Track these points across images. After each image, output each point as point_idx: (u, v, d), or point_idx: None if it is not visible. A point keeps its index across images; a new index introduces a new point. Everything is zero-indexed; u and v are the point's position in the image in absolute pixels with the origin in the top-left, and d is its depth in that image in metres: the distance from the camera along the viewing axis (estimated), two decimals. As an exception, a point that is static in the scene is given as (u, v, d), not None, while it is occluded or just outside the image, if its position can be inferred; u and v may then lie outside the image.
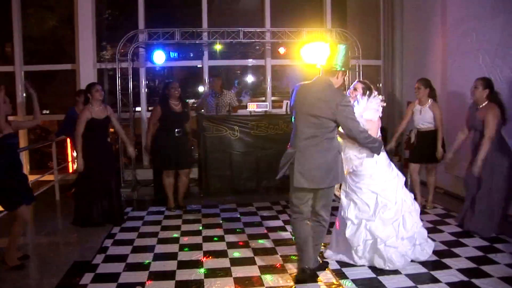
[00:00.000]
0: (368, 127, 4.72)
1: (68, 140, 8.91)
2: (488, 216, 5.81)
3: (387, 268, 4.75)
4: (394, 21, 9.82)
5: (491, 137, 5.64)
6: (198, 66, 10.22)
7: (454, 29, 7.88)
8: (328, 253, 5.19)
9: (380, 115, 4.97)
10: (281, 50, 9.42)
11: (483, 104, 5.84)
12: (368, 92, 4.93)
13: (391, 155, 8.29)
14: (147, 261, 5.16)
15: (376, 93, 4.98)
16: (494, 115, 5.67)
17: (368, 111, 4.86)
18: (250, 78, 12.35)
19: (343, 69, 4.49)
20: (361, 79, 9.09)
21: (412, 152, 7.38)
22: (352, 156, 4.89)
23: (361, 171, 4.87)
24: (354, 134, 4.45)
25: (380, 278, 4.63)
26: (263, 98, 10.39)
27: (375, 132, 4.83)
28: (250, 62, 10.78)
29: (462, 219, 6.19)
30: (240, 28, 8.98)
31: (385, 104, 5.00)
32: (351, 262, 4.95)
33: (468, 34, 7.42)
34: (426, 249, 5.02)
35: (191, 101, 10.54)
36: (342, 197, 5.00)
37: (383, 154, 4.96)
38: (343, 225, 4.97)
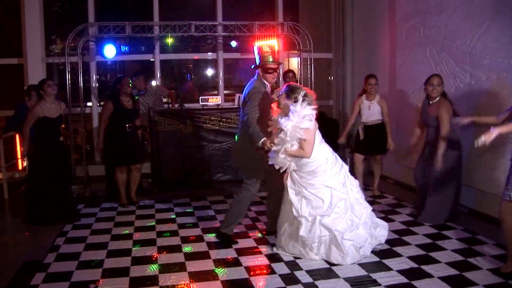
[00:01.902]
0: (303, 136, 4.71)
1: (17, 136, 8.69)
2: (440, 206, 6.04)
3: (344, 263, 4.78)
4: (344, 14, 9.96)
5: (447, 133, 5.77)
6: (151, 60, 10.12)
7: (403, 23, 8.07)
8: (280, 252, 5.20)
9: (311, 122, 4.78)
10: (233, 43, 9.40)
11: (436, 99, 5.99)
12: (293, 97, 4.77)
13: (342, 148, 8.47)
14: (99, 259, 5.11)
15: (301, 96, 4.75)
16: (447, 110, 5.82)
17: (302, 119, 4.72)
18: (202, 72, 12.32)
19: (256, 65, 5.36)
20: (311, 71, 9.23)
21: (358, 143, 7.53)
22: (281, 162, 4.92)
23: (314, 168, 4.87)
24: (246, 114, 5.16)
25: (334, 268, 4.73)
26: (216, 92, 10.38)
27: (310, 142, 4.74)
28: (202, 55, 10.73)
29: (417, 210, 6.39)
30: (191, 22, 8.92)
31: (314, 109, 4.80)
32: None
33: (416, 28, 7.62)
34: (381, 232, 5.07)
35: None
36: (291, 196, 4.94)
37: (327, 148, 5.01)
38: (296, 224, 4.95)
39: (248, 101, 5.19)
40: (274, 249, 5.24)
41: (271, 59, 5.28)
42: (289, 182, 5.02)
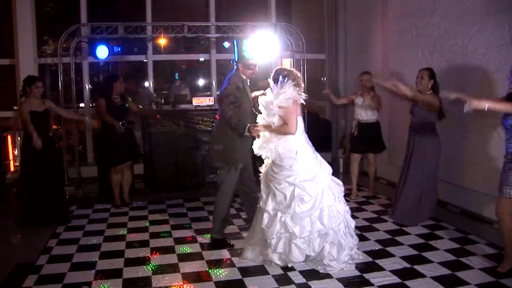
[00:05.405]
0: (281, 114, 4.76)
1: (9, 137, 8.65)
2: (419, 205, 6.09)
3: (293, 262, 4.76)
4: (337, 16, 9.97)
5: (418, 97, 5.88)
6: (144, 60, 10.09)
7: (395, 24, 8.09)
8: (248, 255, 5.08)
9: (300, 101, 4.86)
10: (226, 44, 9.39)
11: (427, 93, 6.00)
12: (279, 79, 4.83)
13: (336, 149, 8.46)
14: (94, 260, 5.10)
15: (288, 80, 4.79)
16: (436, 100, 5.89)
17: (280, 97, 4.76)
18: (195, 73, 12.34)
19: (236, 61, 5.40)
20: (304, 72, 9.25)
21: (353, 142, 7.60)
22: (273, 147, 4.84)
23: (281, 162, 4.80)
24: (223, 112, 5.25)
25: (327, 268, 4.72)
26: (208, 93, 10.37)
27: (292, 118, 4.74)
28: (195, 56, 10.72)
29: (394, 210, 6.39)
30: (184, 23, 8.91)
31: (299, 93, 4.87)
32: (267, 262, 4.87)
33: (408, 29, 7.64)
34: (332, 252, 4.75)
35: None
36: (262, 187, 4.96)
37: (307, 145, 4.90)
38: (260, 217, 4.91)
39: (225, 98, 5.23)
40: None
41: (252, 56, 5.38)
42: (262, 175, 5.02)
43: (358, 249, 5.04)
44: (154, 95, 9.17)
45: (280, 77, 4.83)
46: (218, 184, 5.58)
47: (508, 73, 4.58)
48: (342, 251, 4.75)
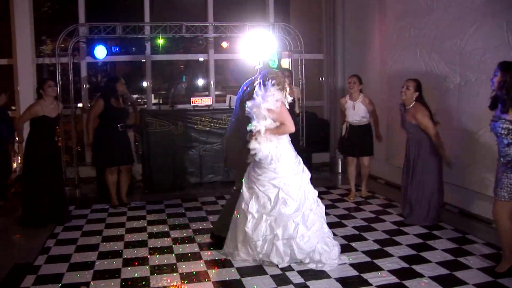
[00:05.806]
0: (271, 117, 4.69)
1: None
2: (423, 208, 6.08)
3: (282, 265, 4.74)
4: (335, 16, 9.98)
5: (436, 133, 5.84)
6: (142, 60, 10.08)
7: (393, 24, 8.10)
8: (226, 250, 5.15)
9: (286, 104, 4.82)
10: (224, 44, 9.40)
11: (411, 105, 6.02)
12: (264, 83, 4.79)
13: (334, 149, 8.43)
14: (90, 261, 5.09)
15: (272, 82, 4.73)
16: (424, 114, 5.87)
17: (268, 99, 4.69)
18: (193, 73, 12.32)
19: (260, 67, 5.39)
20: (302, 72, 9.25)
21: (344, 145, 7.58)
22: (258, 147, 4.72)
23: (265, 164, 4.77)
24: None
25: (325, 268, 4.72)
26: (207, 93, 10.36)
27: (288, 117, 4.72)
28: (193, 56, 10.73)
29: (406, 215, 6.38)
30: (182, 23, 8.91)
31: (282, 97, 4.80)
32: (250, 260, 4.91)
33: (406, 29, 7.65)
34: (323, 251, 4.78)
35: (134, 96, 10.38)
36: (244, 189, 4.90)
37: (290, 148, 4.89)
38: (242, 218, 4.85)
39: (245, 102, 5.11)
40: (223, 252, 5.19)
41: (276, 65, 5.38)
42: (245, 176, 4.98)
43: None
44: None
45: (266, 81, 4.78)
46: (237, 184, 5.37)
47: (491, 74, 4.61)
48: (332, 248, 4.82)
